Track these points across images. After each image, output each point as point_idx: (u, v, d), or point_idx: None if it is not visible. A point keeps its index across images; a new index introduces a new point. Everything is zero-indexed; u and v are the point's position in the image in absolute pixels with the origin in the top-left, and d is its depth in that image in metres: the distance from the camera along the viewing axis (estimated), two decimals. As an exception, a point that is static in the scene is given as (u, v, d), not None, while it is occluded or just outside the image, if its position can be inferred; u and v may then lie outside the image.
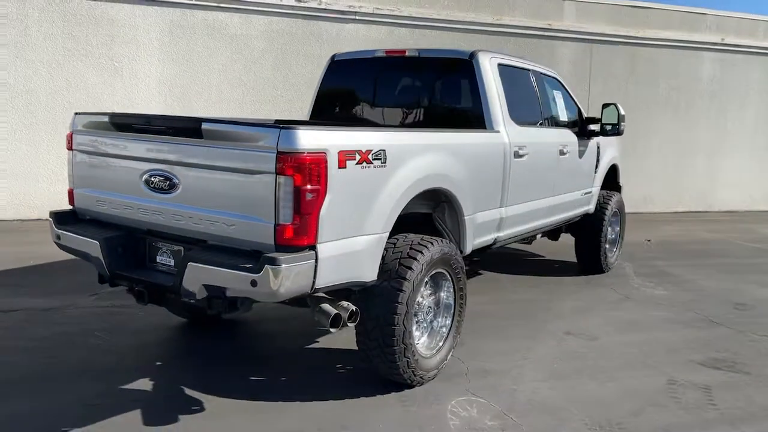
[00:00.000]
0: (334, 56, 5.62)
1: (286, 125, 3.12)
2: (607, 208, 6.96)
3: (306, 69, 9.58)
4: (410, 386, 3.91)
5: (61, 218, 3.91)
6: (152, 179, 3.50)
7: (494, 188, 4.74)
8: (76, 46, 8.70)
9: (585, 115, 6.47)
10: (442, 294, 4.22)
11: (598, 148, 6.70)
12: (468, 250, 4.52)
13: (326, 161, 3.14)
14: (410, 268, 3.72)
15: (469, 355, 4.55)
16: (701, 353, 4.81)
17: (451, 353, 4.22)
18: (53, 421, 3.33)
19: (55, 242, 3.91)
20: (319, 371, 4.18)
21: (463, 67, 4.89)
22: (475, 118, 4.85)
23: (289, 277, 3.05)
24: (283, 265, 3.01)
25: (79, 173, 3.93)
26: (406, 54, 5.20)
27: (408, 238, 3.90)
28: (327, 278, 3.28)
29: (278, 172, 3.04)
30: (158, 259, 3.60)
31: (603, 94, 11.59)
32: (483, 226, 4.66)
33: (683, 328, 5.45)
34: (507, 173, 4.83)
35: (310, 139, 3.08)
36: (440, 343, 4.16)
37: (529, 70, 5.59)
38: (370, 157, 3.43)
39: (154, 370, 4.08)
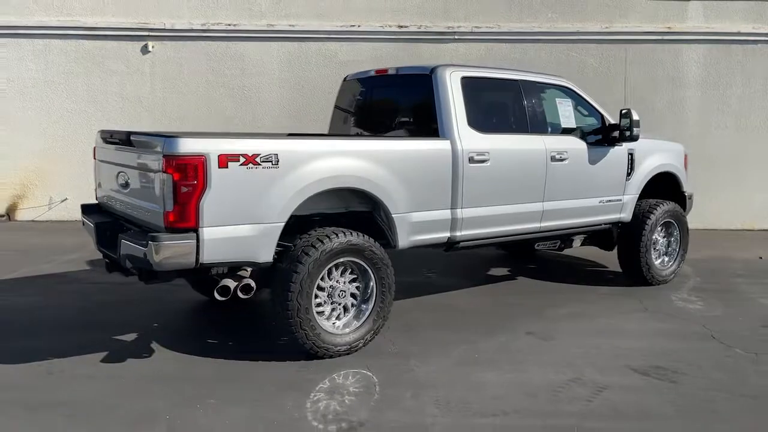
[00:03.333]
0: (345, 77, 6.42)
1: (174, 134, 4.08)
2: (649, 218, 6.69)
3: (407, 88, 10.39)
4: (320, 357, 4.55)
5: (85, 209, 5.29)
6: (120, 179, 4.69)
7: (440, 191, 5.14)
8: (216, 79, 10.58)
9: (609, 122, 6.37)
10: (371, 282, 4.80)
11: (631, 155, 6.53)
12: (402, 244, 5.00)
13: (204, 162, 4.01)
14: (307, 255, 4.41)
15: (409, 340, 5.03)
16: (648, 361, 4.67)
17: (371, 334, 4.75)
18: (43, 353, 4.61)
19: (82, 227, 5.31)
20: (274, 341, 4.93)
21: (425, 81, 5.37)
22: (433, 127, 5.31)
23: (168, 251, 3.97)
24: (161, 242, 3.95)
25: (97, 176, 5.29)
26: (388, 72, 5.83)
27: (321, 231, 4.58)
28: (212, 256, 4.13)
29: (163, 170, 3.99)
30: (124, 239, 4.76)
31: (742, 98, 10.64)
32: (425, 225, 5.08)
33: (665, 339, 5.23)
34: (459, 177, 5.19)
35: (188, 146, 3.99)
36: (359, 324, 4.73)
37: (515, 80, 5.81)
38: (258, 159, 4.21)
39: (148, 329, 5.25)
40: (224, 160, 4.09)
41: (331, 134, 6.35)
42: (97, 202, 5.36)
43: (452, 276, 7.16)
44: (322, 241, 4.47)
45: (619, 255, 6.95)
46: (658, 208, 6.78)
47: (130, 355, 4.64)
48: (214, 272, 4.49)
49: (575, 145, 6.07)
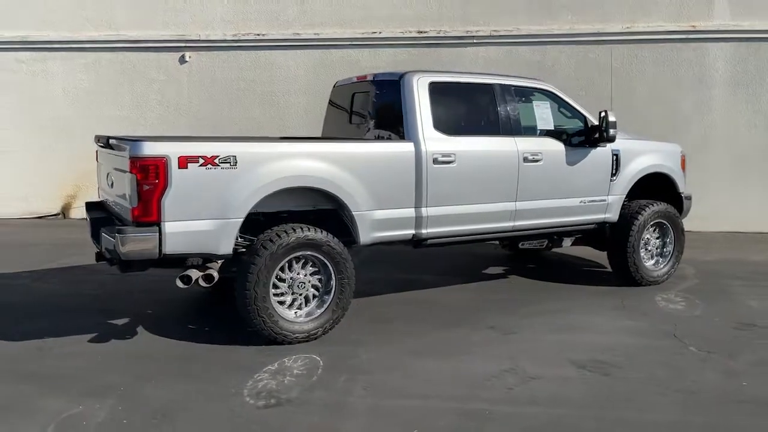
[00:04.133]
0: (336, 83, 6.80)
1: (140, 138, 4.57)
2: (637, 219, 6.72)
3: (427, 92, 10.66)
4: (279, 343, 4.94)
5: (88, 206, 5.89)
6: (109, 179, 5.25)
7: (403, 190, 5.43)
8: (246, 86, 11.20)
9: (593, 123, 6.44)
10: (331, 275, 5.15)
11: (616, 156, 6.58)
12: (364, 241, 5.32)
13: (166, 164, 4.48)
14: (265, 248, 4.81)
15: (372, 330, 5.36)
16: (593, 355, 4.80)
17: (331, 323, 5.11)
18: (43, 332, 5.21)
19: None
20: (246, 328, 5.35)
21: (395, 87, 5.69)
22: (401, 130, 5.61)
23: (132, 243, 4.46)
24: (126, 235, 4.45)
25: (98, 176, 5.88)
26: (367, 78, 6.17)
27: (282, 227, 4.97)
28: (174, 248, 4.59)
29: (129, 171, 4.50)
30: (113, 233, 5.30)
31: (774, 97, 10.30)
32: (387, 222, 5.38)
33: (624, 335, 5.32)
34: (423, 178, 5.47)
35: (150, 149, 4.47)
36: (318, 314, 5.09)
37: (487, 84, 6.00)
38: (216, 161, 4.65)
39: (142, 315, 5.78)
40: (184, 161, 4.55)
41: (306, 137, 6.75)
42: (100, 199, 5.97)
43: (446, 274, 7.38)
44: (279, 236, 4.87)
45: (608, 255, 7.01)
46: (646, 209, 6.79)
47: (116, 337, 5.18)
48: (189, 263, 4.97)
49: (551, 146, 6.20)
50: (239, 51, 11.18)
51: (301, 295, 5.09)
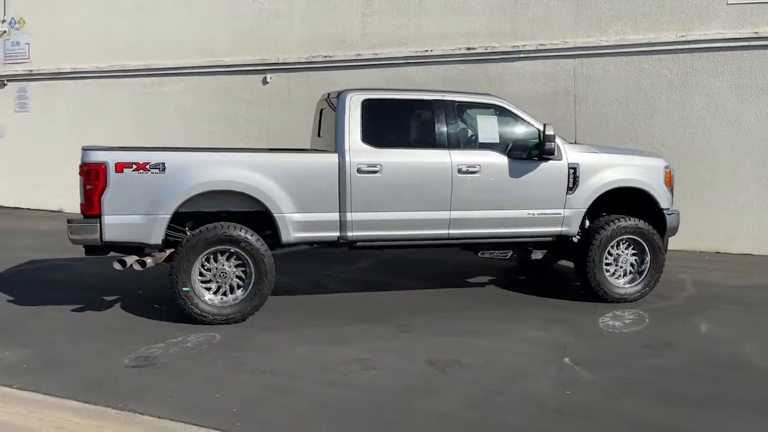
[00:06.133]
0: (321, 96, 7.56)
1: (91, 148, 5.71)
2: (599, 233, 6.62)
3: (476, 106, 10.94)
4: (200, 322, 5.80)
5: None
6: (95, 181, 6.50)
7: (326, 196, 6.03)
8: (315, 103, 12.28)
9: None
10: (250, 268, 5.92)
11: (573, 170, 6.56)
12: (287, 239, 6.01)
13: (105, 168, 5.58)
14: (187, 241, 5.72)
15: (291, 321, 6.02)
16: (455, 356, 5.04)
17: (250, 310, 5.88)
18: (47, 301, 6.56)
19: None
20: None
21: (334, 103, 6.32)
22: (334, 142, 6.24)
23: (78, 231, 5.62)
24: (73, 225, 5.62)
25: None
26: (326, 95, 6.86)
27: (209, 225, 5.85)
28: (112, 236, 5.67)
29: (79, 174, 5.66)
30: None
31: None
32: (310, 224, 6.02)
33: (514, 343, 5.45)
34: (346, 185, 6.03)
35: (93, 156, 5.60)
36: (238, 301, 5.88)
37: (426, 101, 6.38)
38: (147, 167, 5.65)
39: (131, 294, 6.94)
40: (120, 167, 5.62)
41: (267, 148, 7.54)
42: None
43: (425, 279, 7.73)
44: (201, 232, 5.75)
45: (574, 269, 6.93)
46: (611, 224, 6.64)
47: (93, 309, 6.38)
48: (147, 251, 6.04)
49: (490, 159, 6.38)
50: (310, 72, 12.33)
51: (225, 283, 5.91)
